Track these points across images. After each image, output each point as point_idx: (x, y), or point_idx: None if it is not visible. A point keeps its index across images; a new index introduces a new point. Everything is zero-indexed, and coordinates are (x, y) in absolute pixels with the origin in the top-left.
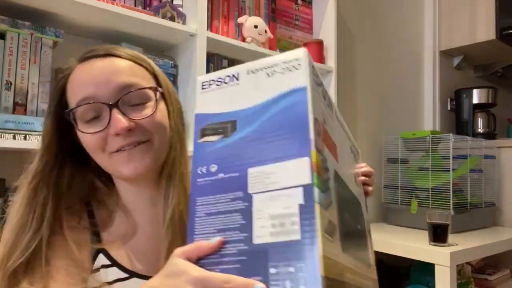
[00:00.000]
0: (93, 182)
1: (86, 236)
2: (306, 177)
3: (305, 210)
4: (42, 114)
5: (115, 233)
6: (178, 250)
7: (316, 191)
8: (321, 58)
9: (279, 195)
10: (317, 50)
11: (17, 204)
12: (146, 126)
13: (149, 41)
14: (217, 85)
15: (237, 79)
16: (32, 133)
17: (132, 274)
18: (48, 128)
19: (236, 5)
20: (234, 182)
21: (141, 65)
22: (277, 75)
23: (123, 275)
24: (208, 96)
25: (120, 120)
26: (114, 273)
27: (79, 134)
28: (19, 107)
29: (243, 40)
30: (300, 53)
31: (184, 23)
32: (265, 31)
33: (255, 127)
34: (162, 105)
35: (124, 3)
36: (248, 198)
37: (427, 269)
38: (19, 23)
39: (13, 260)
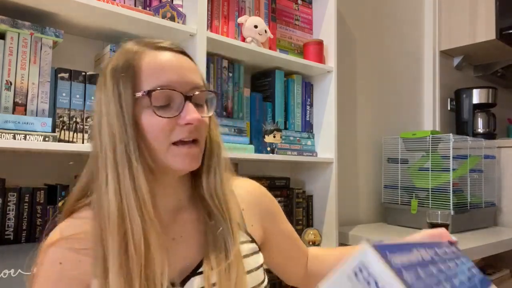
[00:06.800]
0: None
1: None
2: None
3: None
4: (42, 114)
5: None
6: None
7: None
8: (321, 58)
9: None
10: (317, 50)
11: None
12: (202, 127)
13: None
14: None
15: None
16: (32, 133)
17: None
18: (118, 109)
19: (236, 5)
20: None
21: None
22: None
23: None
24: None
25: (194, 111)
26: None
27: (148, 117)
28: (19, 107)
29: (243, 40)
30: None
31: (184, 23)
32: (265, 31)
33: None
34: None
35: (124, 3)
36: None
37: None
38: (19, 23)
39: None
